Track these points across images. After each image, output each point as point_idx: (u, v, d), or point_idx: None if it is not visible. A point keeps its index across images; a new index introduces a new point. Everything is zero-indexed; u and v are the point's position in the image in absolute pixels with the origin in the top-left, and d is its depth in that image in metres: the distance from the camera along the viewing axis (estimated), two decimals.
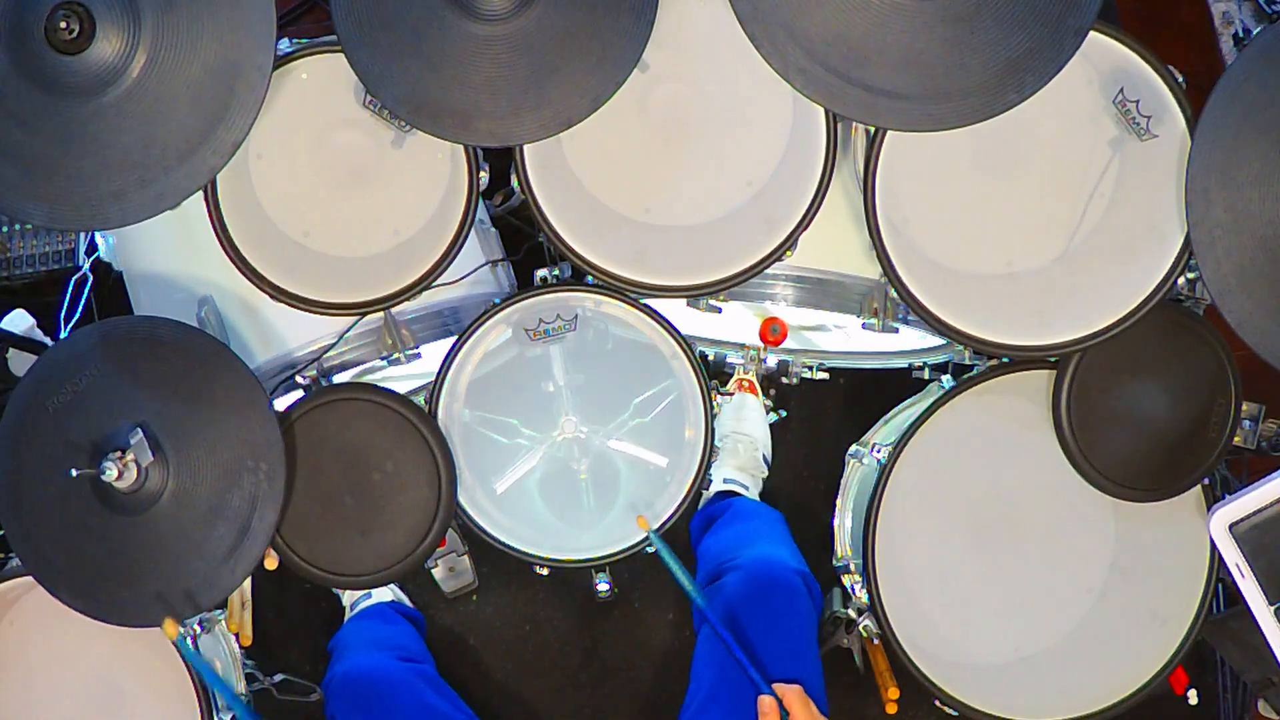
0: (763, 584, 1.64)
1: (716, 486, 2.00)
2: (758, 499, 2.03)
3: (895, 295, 1.57)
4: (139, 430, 1.46)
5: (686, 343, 1.68)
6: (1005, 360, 1.64)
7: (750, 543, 1.79)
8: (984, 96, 1.37)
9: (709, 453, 1.70)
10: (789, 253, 1.58)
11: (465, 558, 2.10)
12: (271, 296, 1.58)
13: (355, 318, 1.64)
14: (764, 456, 2.09)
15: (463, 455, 1.70)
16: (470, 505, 1.71)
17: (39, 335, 2.19)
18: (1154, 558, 1.64)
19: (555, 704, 2.16)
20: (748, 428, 2.07)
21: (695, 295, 1.62)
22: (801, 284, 1.71)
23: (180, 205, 1.44)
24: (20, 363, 2.03)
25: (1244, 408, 1.62)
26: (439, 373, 1.68)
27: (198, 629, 1.63)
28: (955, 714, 1.66)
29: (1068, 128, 1.55)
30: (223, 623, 1.72)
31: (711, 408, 1.69)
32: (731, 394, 2.08)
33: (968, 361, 1.78)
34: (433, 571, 2.09)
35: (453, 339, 1.68)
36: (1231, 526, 1.42)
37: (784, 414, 2.16)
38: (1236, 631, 1.62)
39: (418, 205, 1.63)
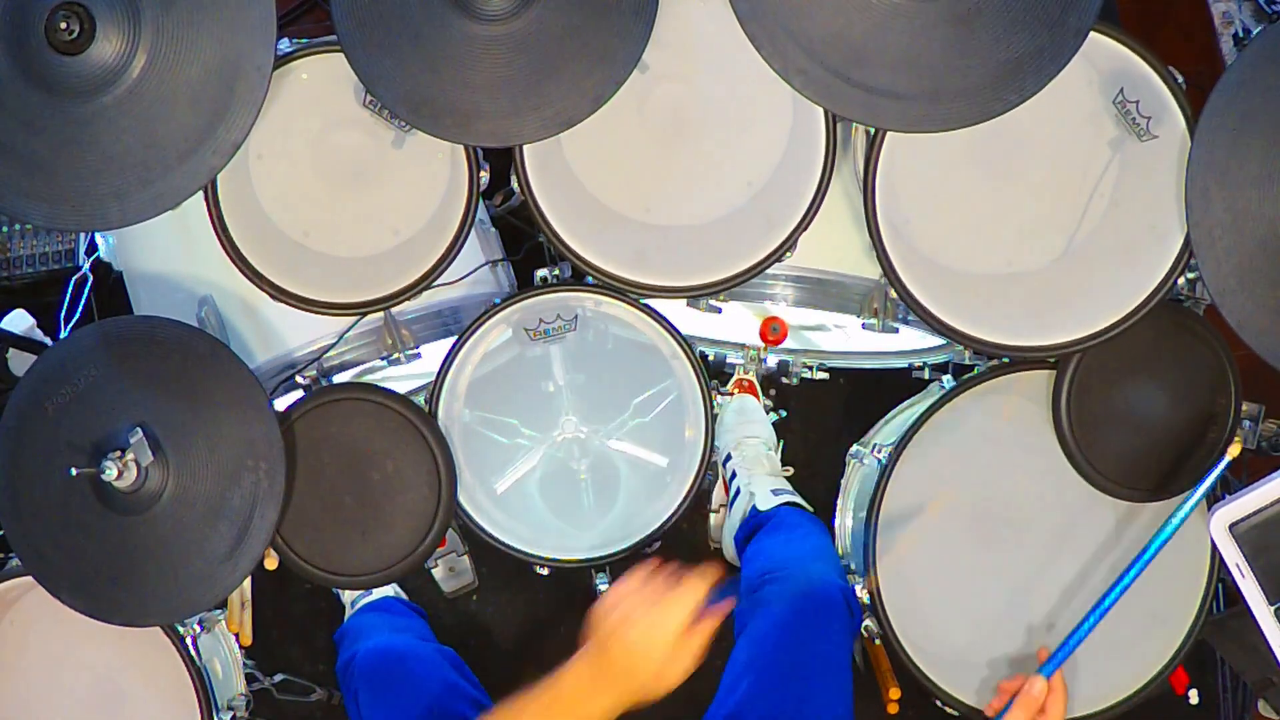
0: (806, 601, 1.61)
1: (768, 501, 1.90)
2: (803, 504, 1.99)
3: (895, 295, 1.57)
4: (139, 430, 1.46)
5: (687, 343, 1.68)
6: (1005, 360, 1.64)
7: (795, 555, 1.76)
8: (984, 97, 1.37)
9: (709, 453, 1.70)
10: (789, 253, 1.58)
11: (465, 558, 2.10)
12: (271, 296, 1.58)
13: (355, 318, 1.64)
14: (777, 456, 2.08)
15: (463, 455, 1.70)
16: (470, 505, 1.71)
17: (39, 335, 2.19)
18: (1154, 558, 1.64)
19: None
20: (757, 429, 2.05)
21: (695, 295, 1.62)
22: (801, 284, 1.71)
23: (180, 205, 1.44)
24: (20, 363, 2.03)
25: (1244, 408, 1.62)
26: (439, 373, 1.68)
27: (198, 629, 1.63)
28: (956, 714, 1.66)
29: (1068, 128, 1.55)
30: (223, 623, 1.72)
31: (712, 408, 1.69)
32: (731, 394, 2.08)
33: (968, 361, 1.78)
34: (433, 571, 2.09)
35: (453, 339, 1.68)
36: (1231, 526, 1.41)
37: (784, 414, 2.16)
38: (1236, 631, 1.61)
39: (418, 205, 1.63)
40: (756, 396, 2.09)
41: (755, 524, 1.91)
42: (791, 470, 2.07)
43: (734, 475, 2.01)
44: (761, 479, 1.98)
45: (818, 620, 1.60)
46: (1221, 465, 1.41)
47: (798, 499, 1.98)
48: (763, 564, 1.77)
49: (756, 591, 1.67)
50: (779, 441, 2.11)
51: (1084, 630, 1.44)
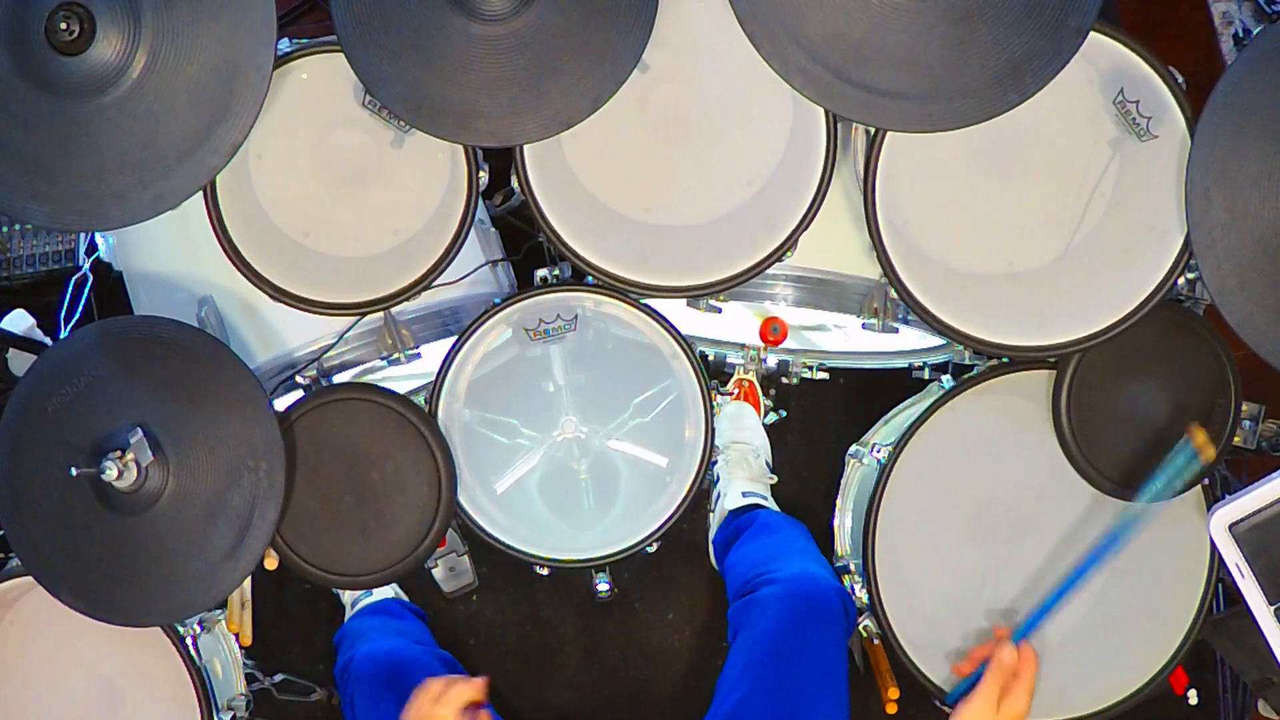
0: (803, 603, 1.61)
1: (736, 502, 1.97)
2: (777, 509, 2.01)
3: (895, 295, 1.57)
4: (139, 430, 1.46)
5: (687, 342, 1.68)
6: (1005, 360, 1.64)
7: (785, 556, 1.77)
8: (984, 97, 1.37)
9: (709, 453, 1.70)
10: (789, 253, 1.58)
11: (465, 558, 2.10)
12: (271, 296, 1.58)
13: (355, 318, 1.64)
14: (767, 463, 2.09)
15: (463, 455, 1.70)
16: (470, 505, 1.71)
17: (39, 335, 2.19)
18: (1154, 558, 1.64)
19: (555, 704, 2.16)
20: (748, 435, 2.06)
21: (696, 295, 1.62)
22: (801, 284, 1.71)
23: (180, 205, 1.44)
24: (20, 363, 2.03)
25: (1244, 408, 1.62)
26: (439, 373, 1.68)
27: (198, 629, 1.64)
28: None
29: (1068, 128, 1.55)
30: (223, 623, 1.72)
31: (712, 408, 1.69)
32: (732, 393, 2.08)
33: (968, 361, 1.78)
34: (433, 571, 2.09)
35: (453, 339, 1.68)
36: (1231, 526, 1.42)
37: (784, 414, 2.16)
38: (1236, 631, 1.62)
39: (418, 205, 1.63)
40: (757, 399, 2.09)
41: (735, 527, 1.93)
42: (775, 479, 2.07)
43: (717, 479, 2.03)
44: (737, 482, 2.00)
45: (814, 623, 1.61)
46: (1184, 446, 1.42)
47: (767, 502, 1.99)
48: (753, 566, 1.77)
49: (751, 593, 1.68)
50: (771, 449, 2.12)
51: (1055, 600, 1.45)
